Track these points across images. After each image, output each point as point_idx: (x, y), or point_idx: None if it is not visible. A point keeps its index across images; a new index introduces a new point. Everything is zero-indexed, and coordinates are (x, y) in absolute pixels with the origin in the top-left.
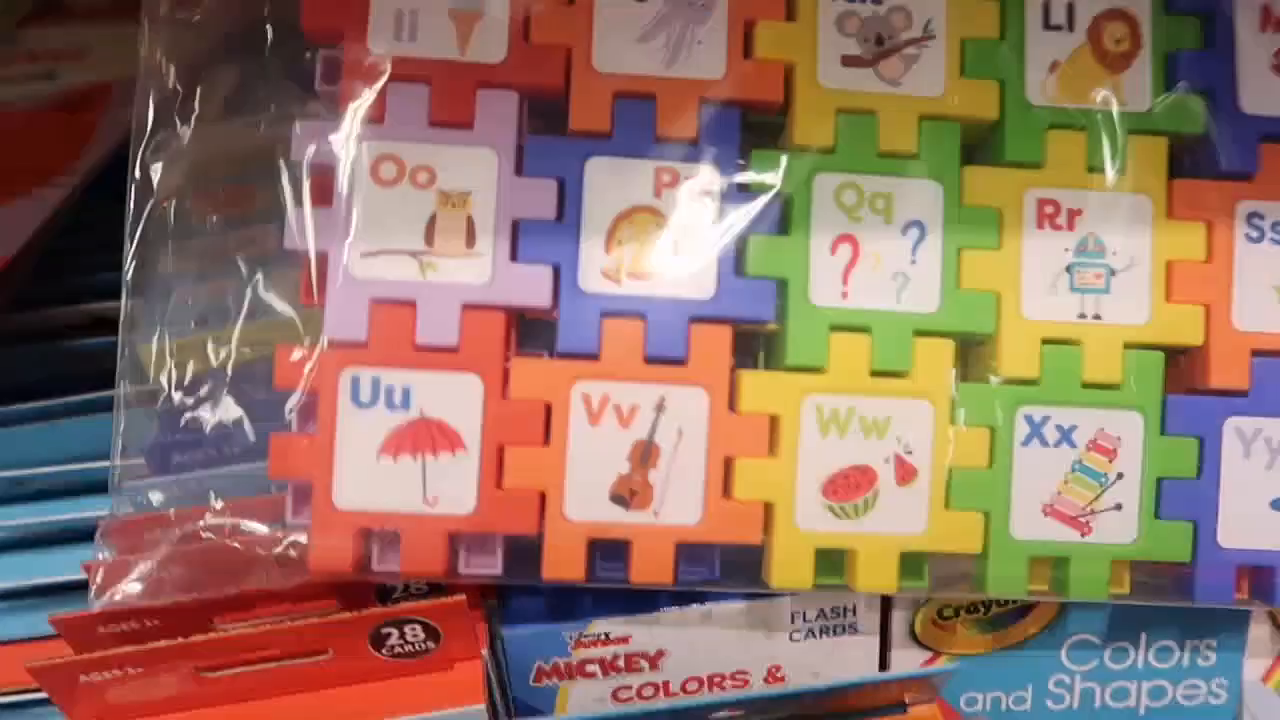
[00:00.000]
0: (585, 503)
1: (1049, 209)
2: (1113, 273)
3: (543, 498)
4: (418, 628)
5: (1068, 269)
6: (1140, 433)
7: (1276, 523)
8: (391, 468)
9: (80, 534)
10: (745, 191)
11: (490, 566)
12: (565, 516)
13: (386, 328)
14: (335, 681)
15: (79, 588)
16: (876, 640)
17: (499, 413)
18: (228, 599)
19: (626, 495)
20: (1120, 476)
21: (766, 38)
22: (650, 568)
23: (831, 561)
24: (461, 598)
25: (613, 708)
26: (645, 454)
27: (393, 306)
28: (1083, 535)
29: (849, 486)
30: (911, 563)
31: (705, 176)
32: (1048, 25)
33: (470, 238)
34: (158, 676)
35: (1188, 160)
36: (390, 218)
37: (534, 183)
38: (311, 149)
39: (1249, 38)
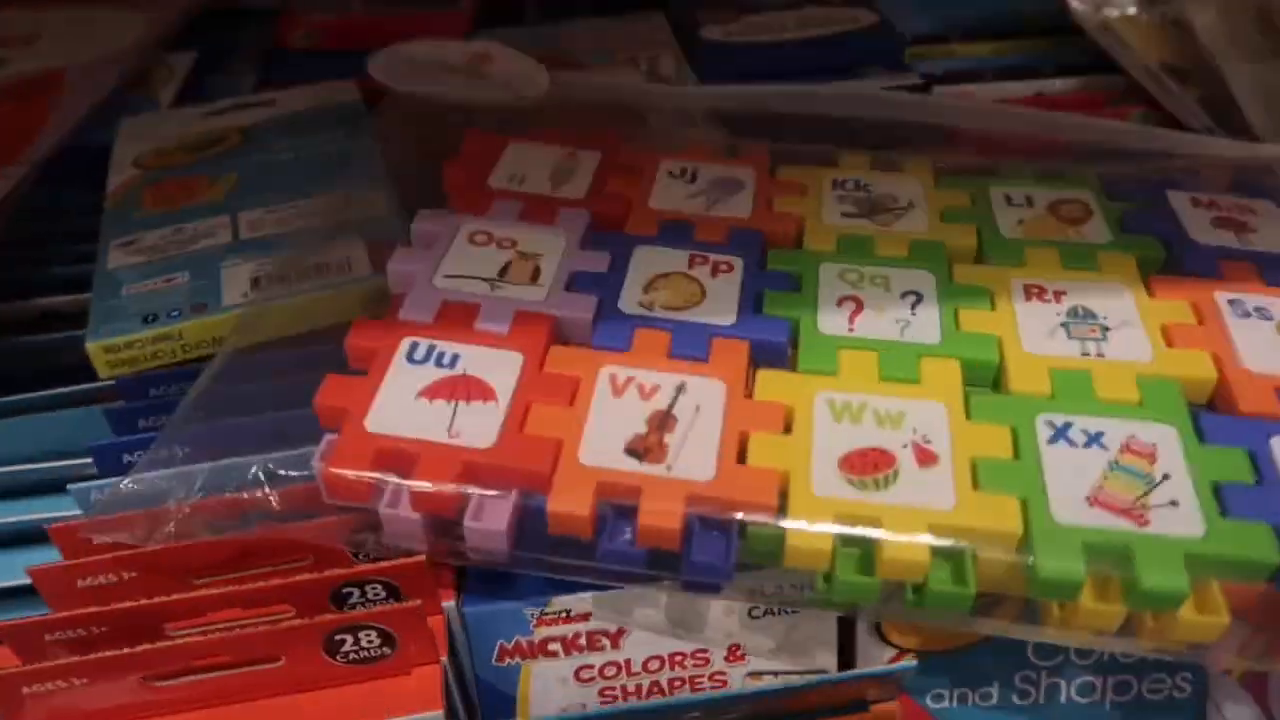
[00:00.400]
0: (600, 453)
1: (1035, 290)
2: (1106, 330)
3: (559, 446)
4: (373, 634)
5: (1062, 325)
6: (1177, 443)
7: None
8: (426, 406)
9: (27, 537)
10: (764, 271)
11: (498, 523)
12: (579, 461)
13: (450, 317)
14: (288, 689)
15: (25, 593)
16: (835, 618)
17: (532, 379)
18: (178, 603)
19: (640, 450)
20: (1166, 477)
21: (783, 203)
22: (659, 523)
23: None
24: (418, 603)
25: (575, 688)
26: (663, 421)
27: (459, 305)
28: (1141, 527)
29: (867, 464)
30: (946, 559)
31: (731, 260)
32: (1009, 204)
33: (535, 276)
34: (105, 686)
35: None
36: (474, 263)
37: (592, 253)
38: (423, 223)
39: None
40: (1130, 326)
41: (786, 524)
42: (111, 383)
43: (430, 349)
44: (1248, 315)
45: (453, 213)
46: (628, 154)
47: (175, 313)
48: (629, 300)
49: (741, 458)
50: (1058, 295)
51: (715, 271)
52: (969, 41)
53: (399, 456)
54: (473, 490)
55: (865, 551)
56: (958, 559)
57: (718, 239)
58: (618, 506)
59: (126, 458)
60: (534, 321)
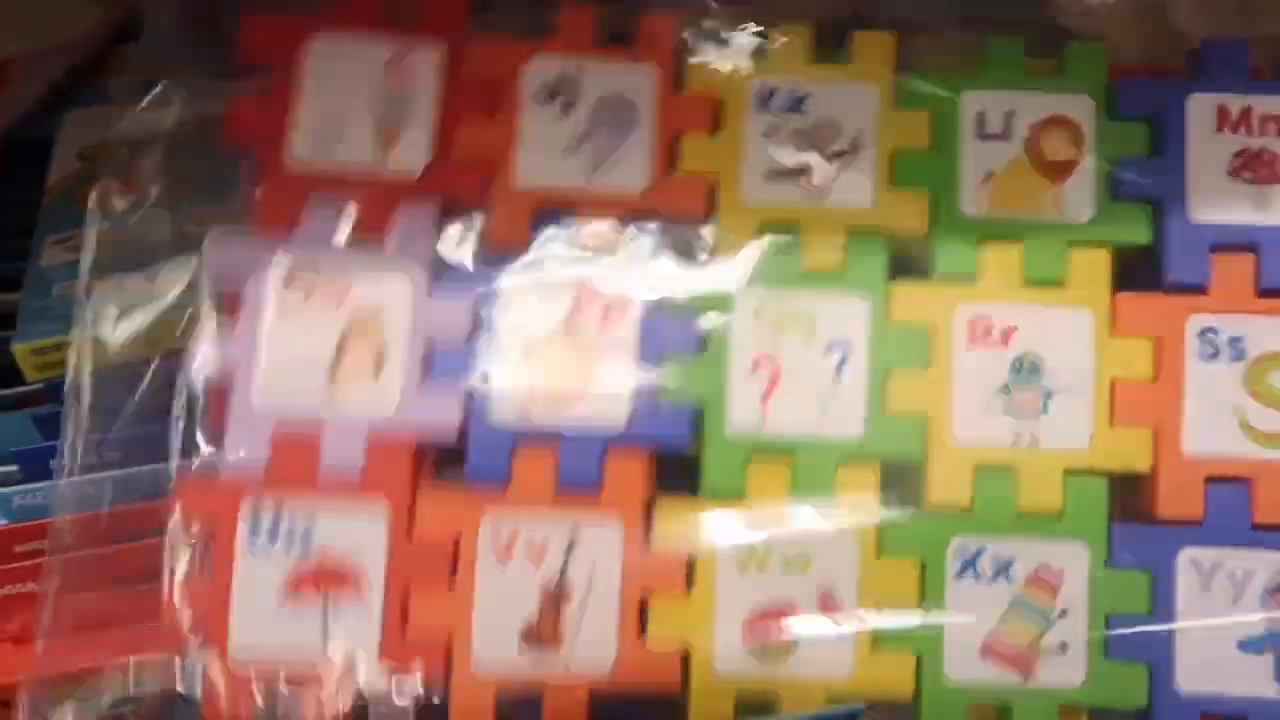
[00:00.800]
0: (495, 645)
1: (981, 326)
2: (1050, 394)
3: (449, 646)
4: None
5: (1002, 389)
6: (1085, 565)
7: (1245, 666)
8: (292, 611)
9: None
10: (665, 311)
11: None
12: (472, 668)
13: (288, 457)
14: None
15: None
16: None
17: (404, 550)
18: None
19: (537, 636)
20: (1064, 613)
21: (691, 151)
22: None
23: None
24: None
25: None
26: (557, 596)
27: (296, 437)
28: (1025, 678)
29: (770, 629)
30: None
31: (624, 295)
32: (983, 135)
33: (379, 362)
34: None
35: (1135, 272)
36: (298, 339)
37: (446, 306)
38: (222, 258)
39: (1203, 140)
40: (1075, 391)
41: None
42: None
43: (276, 521)
44: (1215, 356)
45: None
46: (480, 49)
47: None
48: (501, 396)
49: (643, 622)
50: (1006, 336)
51: (605, 319)
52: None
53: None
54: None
55: None
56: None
57: (606, 247)
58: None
59: (54, 463)
60: (391, 449)
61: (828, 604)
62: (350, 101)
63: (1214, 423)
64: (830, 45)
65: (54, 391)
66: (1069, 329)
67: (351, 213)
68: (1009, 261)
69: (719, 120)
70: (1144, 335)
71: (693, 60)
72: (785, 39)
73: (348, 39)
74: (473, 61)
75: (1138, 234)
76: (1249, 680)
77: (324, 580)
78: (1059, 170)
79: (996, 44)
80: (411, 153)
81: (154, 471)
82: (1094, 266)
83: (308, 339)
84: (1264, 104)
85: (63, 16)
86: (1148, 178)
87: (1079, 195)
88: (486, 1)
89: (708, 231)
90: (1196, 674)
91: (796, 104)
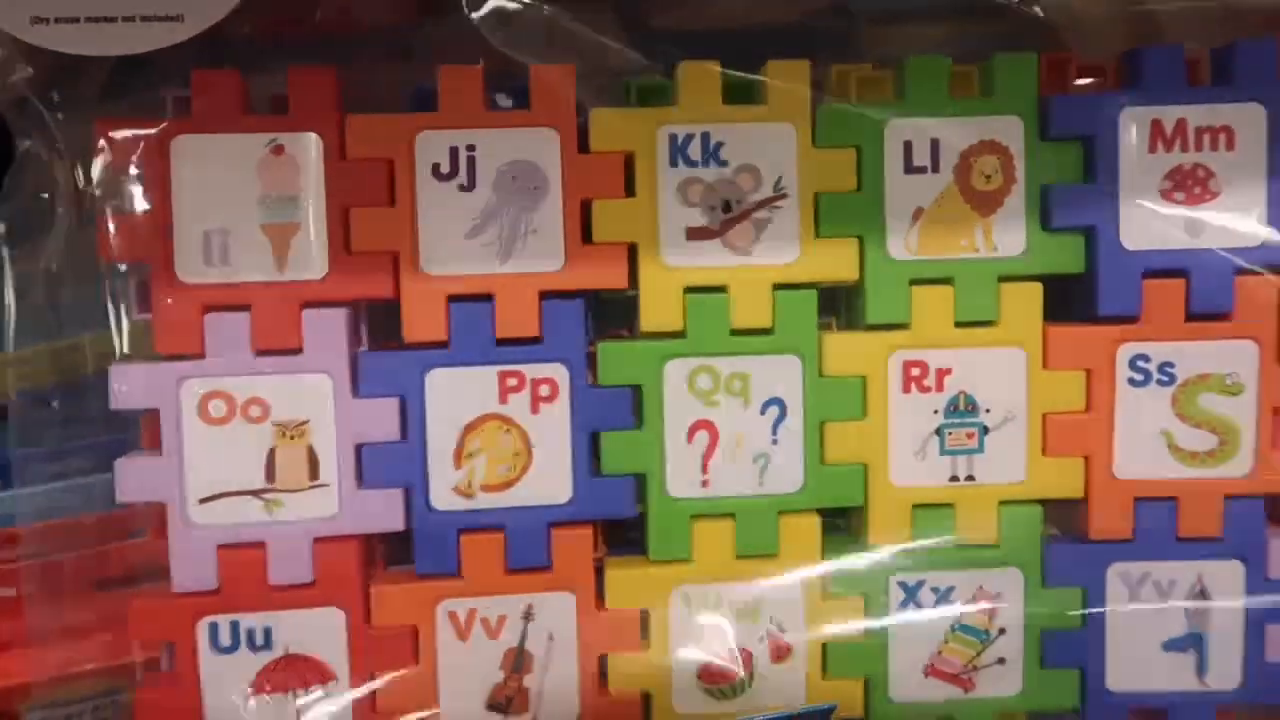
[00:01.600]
0: (464, 716)
1: (915, 370)
2: (986, 430)
3: None
4: None
5: (937, 431)
6: (1021, 588)
7: (1169, 664)
8: (265, 706)
9: None
10: (595, 387)
11: None
12: None
13: (237, 573)
14: None
15: None
16: None
17: (365, 641)
18: None
19: (503, 701)
20: (1002, 632)
21: (605, 218)
22: None
23: None
24: None
25: None
26: (517, 661)
27: (240, 553)
28: (966, 691)
29: (724, 674)
30: None
31: (553, 375)
32: (910, 169)
33: (313, 469)
34: None
35: (1070, 297)
36: (225, 458)
37: (372, 404)
38: (129, 392)
39: (1136, 160)
40: (1010, 425)
41: None
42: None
43: (234, 628)
44: (1145, 381)
45: (156, 363)
46: (359, 131)
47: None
48: (441, 485)
49: (603, 675)
50: (941, 377)
51: (535, 403)
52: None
53: None
54: None
55: None
56: None
57: (528, 330)
58: None
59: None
60: (338, 552)
61: (777, 647)
62: (230, 208)
63: (1143, 446)
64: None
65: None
66: (1002, 366)
67: (256, 323)
68: (940, 304)
69: (630, 177)
70: (1075, 368)
71: (594, 111)
72: (693, 78)
73: (213, 138)
74: (355, 145)
75: (1070, 264)
76: (1174, 677)
77: (291, 673)
78: (989, 201)
79: (917, 66)
80: (308, 253)
81: None
82: (1025, 301)
83: (235, 458)
84: (1198, 115)
85: None
86: (1079, 206)
87: (1010, 225)
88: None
89: (632, 299)
90: (1125, 674)
91: (712, 153)
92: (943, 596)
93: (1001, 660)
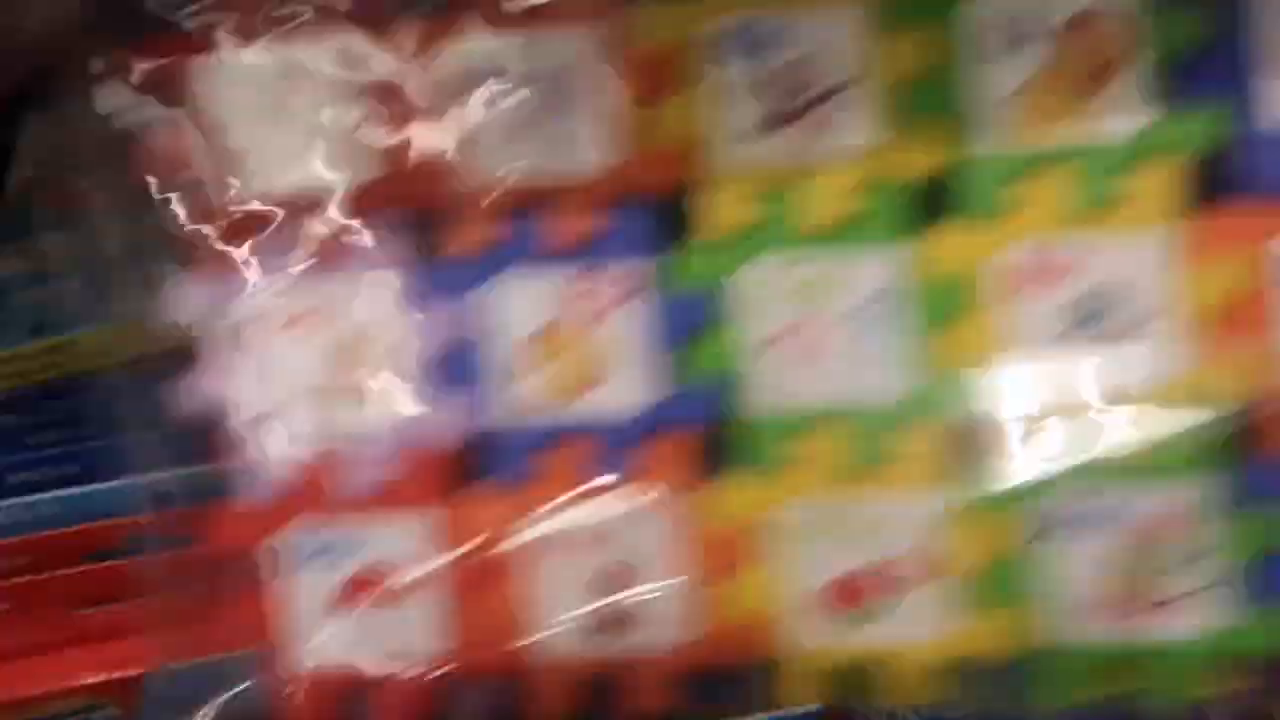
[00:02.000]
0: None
1: (1031, 270)
2: (1122, 332)
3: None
4: None
5: (1061, 336)
6: (1201, 505)
7: None
8: (348, 620)
9: None
10: (671, 292)
11: None
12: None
13: (313, 480)
14: None
15: None
16: None
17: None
18: None
19: (603, 622)
20: (1189, 558)
21: (660, 117)
22: None
23: None
24: None
25: None
26: (619, 577)
27: (313, 460)
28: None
29: (859, 591)
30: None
31: (627, 278)
32: (998, 46)
33: (379, 377)
34: None
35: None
36: (290, 363)
37: (438, 311)
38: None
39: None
40: (1149, 327)
41: None
42: None
43: (316, 541)
44: None
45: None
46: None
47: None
48: (507, 396)
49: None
50: (1059, 273)
51: (603, 312)
52: None
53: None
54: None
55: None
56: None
57: (584, 230)
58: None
59: (10, 478)
60: (416, 461)
61: (906, 569)
62: (268, 120)
63: None
64: None
65: (12, 404)
66: (1134, 258)
67: (308, 235)
68: (1052, 191)
69: (682, 76)
70: (1225, 258)
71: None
72: None
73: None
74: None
75: (1199, 144)
76: None
77: (375, 587)
78: (1100, 69)
79: None
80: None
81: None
82: (1160, 185)
83: (299, 370)
84: None
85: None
86: (1209, 73)
87: (1126, 102)
88: None
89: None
90: None
91: (771, 42)
92: (1109, 517)
93: (1190, 593)
